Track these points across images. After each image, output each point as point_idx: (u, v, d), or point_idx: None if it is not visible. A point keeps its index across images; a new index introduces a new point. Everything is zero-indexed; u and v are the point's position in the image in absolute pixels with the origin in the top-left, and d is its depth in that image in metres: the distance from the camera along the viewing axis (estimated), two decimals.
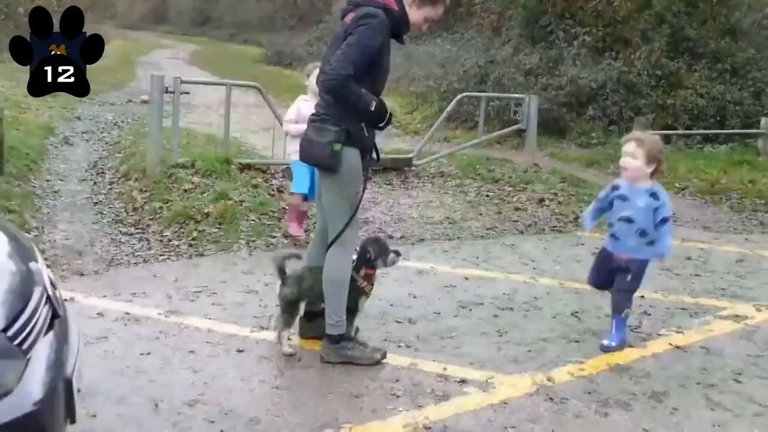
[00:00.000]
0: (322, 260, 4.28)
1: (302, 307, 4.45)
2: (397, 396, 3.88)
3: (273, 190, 8.18)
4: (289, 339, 4.40)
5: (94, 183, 8.60)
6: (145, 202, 7.54)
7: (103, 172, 9.04)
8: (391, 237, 7.29)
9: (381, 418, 3.65)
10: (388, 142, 13.10)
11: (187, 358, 4.23)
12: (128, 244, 6.54)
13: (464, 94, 11.87)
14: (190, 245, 6.54)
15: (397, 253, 4.54)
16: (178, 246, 6.50)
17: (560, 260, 6.64)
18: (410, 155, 10.55)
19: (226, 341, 4.45)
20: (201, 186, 7.86)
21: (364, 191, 4.24)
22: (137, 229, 6.95)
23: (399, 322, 4.94)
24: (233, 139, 9.75)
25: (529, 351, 4.56)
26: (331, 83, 3.94)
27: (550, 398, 3.94)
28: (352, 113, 4.04)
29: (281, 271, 4.34)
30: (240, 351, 4.34)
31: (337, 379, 4.05)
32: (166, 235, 6.74)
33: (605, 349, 4.56)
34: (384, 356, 4.27)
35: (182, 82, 8.41)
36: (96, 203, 7.79)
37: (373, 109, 4.03)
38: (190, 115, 12.93)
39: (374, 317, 4.97)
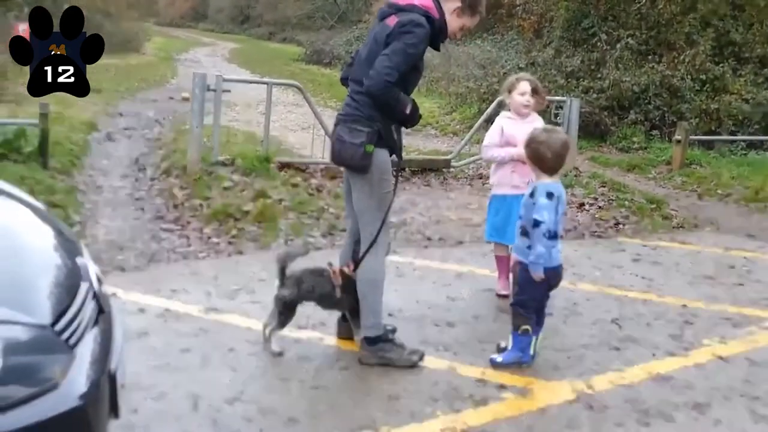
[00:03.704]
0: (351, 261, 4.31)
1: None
2: (435, 399, 3.87)
3: (312, 190, 8.22)
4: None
5: (136, 179, 8.70)
6: (186, 199, 7.61)
7: (144, 169, 9.15)
8: (429, 239, 7.28)
9: (418, 421, 3.65)
10: (426, 143, 13.10)
11: (226, 356, 4.26)
12: (168, 240, 6.60)
13: None
14: (230, 243, 6.59)
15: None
16: (217, 243, 6.56)
17: (600, 266, 6.58)
18: (449, 157, 10.53)
19: (263, 340, 4.46)
20: (241, 184, 7.93)
21: (395, 191, 4.24)
22: (177, 225, 7.02)
23: (437, 326, 4.92)
24: (273, 137, 9.80)
25: (569, 357, 4.52)
26: (377, 90, 3.95)
27: (590, 406, 3.90)
28: (388, 115, 4.05)
29: (282, 271, 4.32)
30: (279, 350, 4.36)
31: (375, 381, 4.05)
32: (206, 233, 6.80)
33: (491, 363, 4.32)
34: (422, 359, 4.26)
35: (224, 80, 8.48)
36: (137, 199, 7.89)
37: (408, 112, 4.06)
38: (230, 113, 13.03)
39: (412, 320, 4.97)
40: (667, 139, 13.02)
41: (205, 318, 4.82)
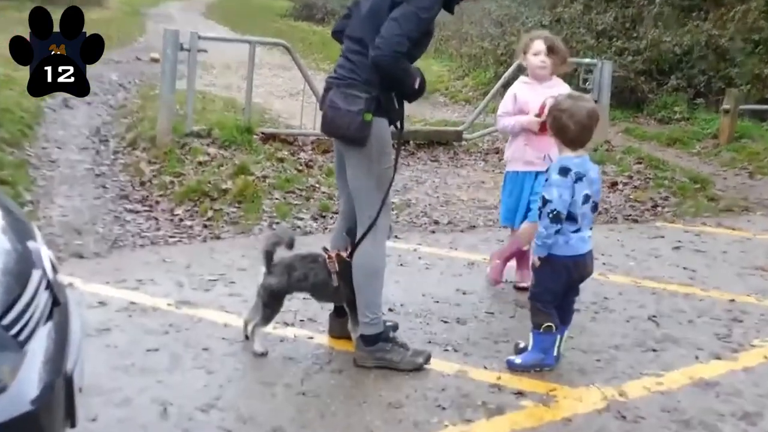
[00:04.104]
0: (343, 246, 4.32)
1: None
2: (443, 408, 3.86)
3: (301, 165, 8.21)
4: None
5: (97, 152, 8.69)
6: (154, 176, 7.61)
7: (106, 140, 9.13)
8: (437, 222, 7.28)
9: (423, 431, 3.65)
10: (434, 112, 13.09)
11: (200, 356, 4.25)
12: (134, 223, 6.60)
13: None
14: (205, 226, 6.59)
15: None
16: (191, 227, 6.55)
17: (635, 255, 6.58)
18: (460, 128, 10.52)
19: (245, 339, 4.46)
20: (218, 158, 7.92)
21: (396, 167, 4.23)
22: (144, 206, 7.01)
23: (445, 322, 4.92)
24: (256, 105, 9.78)
25: (598, 360, 4.52)
26: (385, 62, 3.92)
27: (622, 416, 3.90)
28: (392, 88, 4.04)
29: (269, 257, 4.31)
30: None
31: (373, 386, 4.04)
32: (177, 214, 6.79)
33: (508, 365, 4.33)
34: (427, 361, 4.26)
35: (200, 38, 8.45)
36: (98, 175, 7.88)
37: (417, 85, 4.06)
38: (206, 77, 13.00)
39: (417, 316, 4.97)
40: (713, 108, 12.99)
41: (175, 312, 4.81)
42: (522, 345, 4.45)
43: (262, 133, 8.84)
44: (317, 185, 7.78)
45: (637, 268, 6.22)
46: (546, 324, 4.28)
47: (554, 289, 4.29)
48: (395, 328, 4.55)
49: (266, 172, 7.75)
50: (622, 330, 4.98)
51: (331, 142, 8.65)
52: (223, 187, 7.24)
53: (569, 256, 4.22)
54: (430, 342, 4.59)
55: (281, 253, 4.38)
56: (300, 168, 8.16)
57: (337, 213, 6.84)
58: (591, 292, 5.47)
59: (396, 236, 6.10)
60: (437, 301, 5.24)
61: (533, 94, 5.33)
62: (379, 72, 3.98)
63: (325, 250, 4.38)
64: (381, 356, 4.22)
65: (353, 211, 4.25)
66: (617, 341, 4.80)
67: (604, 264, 6.19)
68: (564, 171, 4.12)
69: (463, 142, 10.27)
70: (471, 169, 9.34)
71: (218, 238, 6.39)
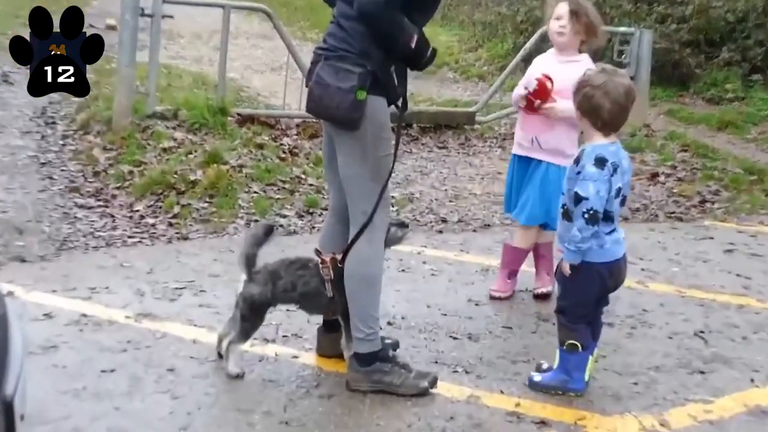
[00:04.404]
0: (337, 248, 4.30)
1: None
2: None
3: (284, 153, 8.21)
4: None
5: (42, 137, 8.68)
6: (110, 165, 7.60)
7: (53, 123, 9.13)
8: (444, 221, 7.28)
9: None
10: (443, 90, 13.10)
11: (164, 378, 4.25)
12: (86, 220, 6.60)
13: None
14: (170, 225, 6.59)
15: (403, 225, 4.56)
16: (153, 225, 6.55)
17: (679, 259, 6.58)
18: (472, 109, 10.52)
19: (217, 357, 4.47)
20: (186, 144, 7.91)
21: (396, 155, 4.22)
22: (98, 200, 7.01)
23: (455, 339, 4.92)
24: (231, 81, 9.78)
25: (635, 383, 4.51)
26: (370, 6, 3.91)
27: None
28: (385, 48, 4.02)
29: (249, 262, 4.30)
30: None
31: (369, 415, 4.04)
32: (137, 210, 6.79)
33: (530, 384, 4.37)
34: (434, 384, 4.25)
35: (164, 1, 8.43)
36: (44, 164, 7.87)
37: (414, 45, 4.03)
38: (172, 47, 12.99)
39: (421, 331, 4.97)
40: None
41: (135, 326, 4.81)
42: (545, 366, 4.45)
43: (238, 114, 8.84)
44: (303, 176, 7.78)
45: (681, 275, 6.22)
46: (571, 341, 4.27)
47: (586, 301, 4.28)
48: (396, 345, 4.55)
49: (243, 160, 7.74)
50: (664, 348, 4.98)
51: (320, 125, 8.67)
52: (192, 178, 7.24)
53: (604, 262, 4.20)
54: (436, 362, 4.59)
55: (264, 258, 4.38)
56: (283, 156, 8.15)
57: (326, 209, 6.84)
58: (627, 304, 5.48)
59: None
60: (445, 314, 5.25)
61: (547, 66, 5.36)
62: (367, 26, 3.97)
63: (318, 253, 4.36)
64: (378, 378, 4.21)
65: (345, 207, 4.25)
66: (658, 361, 4.79)
67: (642, 270, 6.20)
68: (601, 162, 4.07)
69: (476, 126, 10.27)
70: (485, 158, 9.34)
71: (186, 238, 6.38)
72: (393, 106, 4.21)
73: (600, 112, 4.13)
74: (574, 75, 4.55)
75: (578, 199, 4.07)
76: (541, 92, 5.23)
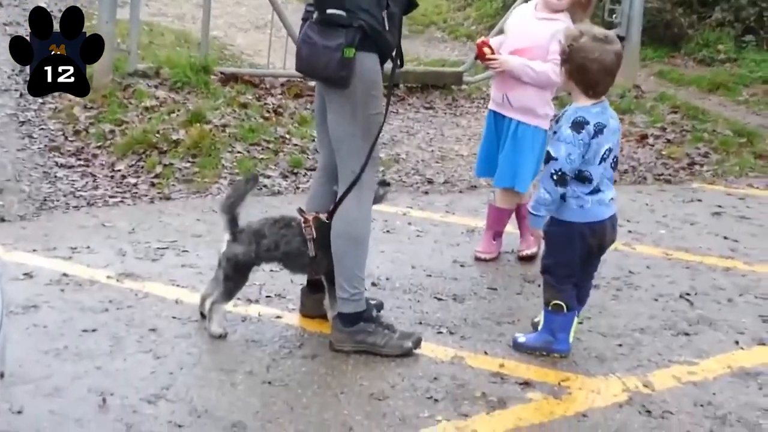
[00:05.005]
0: (324, 208, 4.32)
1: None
2: (435, 400, 3.90)
3: (268, 112, 8.19)
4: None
5: (21, 95, 8.61)
6: (91, 124, 7.58)
7: None
8: (430, 182, 7.29)
9: (412, 428, 3.68)
10: (430, 50, 13.06)
11: (146, 338, 4.28)
12: (67, 180, 6.59)
13: None
14: (152, 184, 6.59)
15: (385, 183, 4.61)
16: (135, 185, 6.55)
17: (667, 221, 6.62)
18: (460, 69, 10.50)
19: (200, 317, 4.49)
20: (168, 103, 7.89)
21: (387, 113, 4.24)
22: (79, 160, 7.00)
23: (440, 300, 4.96)
24: (214, 39, 9.73)
25: (620, 345, 4.56)
26: None
27: (647, 411, 3.94)
28: None
29: (232, 221, 4.31)
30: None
31: (352, 375, 4.08)
32: (118, 170, 6.79)
33: (514, 345, 4.43)
34: (418, 345, 4.29)
35: None
36: (23, 123, 7.84)
37: None
38: (154, 4, 12.90)
39: (406, 292, 5.01)
40: (765, 47, 12.98)
41: (117, 286, 4.83)
42: (537, 319, 4.51)
43: (222, 73, 8.80)
44: (287, 136, 7.77)
45: (668, 238, 6.27)
46: (555, 301, 4.32)
47: (568, 260, 4.30)
48: (380, 306, 4.59)
49: (226, 120, 7.73)
50: (649, 310, 5.02)
51: (305, 85, 8.69)
52: (174, 137, 7.23)
53: (586, 222, 4.23)
54: (420, 323, 4.63)
55: (247, 217, 4.40)
56: (267, 115, 8.13)
57: (311, 170, 6.89)
58: (614, 266, 5.51)
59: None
60: (430, 275, 5.28)
61: (522, 20, 5.46)
62: None
63: (301, 212, 4.38)
64: (362, 339, 4.25)
65: (335, 167, 4.25)
66: (643, 323, 4.84)
67: (630, 232, 6.24)
68: (578, 125, 4.09)
69: (464, 86, 10.25)
70: (473, 119, 9.34)
71: (168, 198, 6.39)
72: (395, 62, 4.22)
73: (586, 75, 4.13)
74: (548, 34, 4.57)
75: (548, 158, 4.13)
76: (480, 56, 5.42)
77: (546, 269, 4.37)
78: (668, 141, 8.91)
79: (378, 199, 4.48)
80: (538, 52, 5.22)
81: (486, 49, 5.32)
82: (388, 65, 4.21)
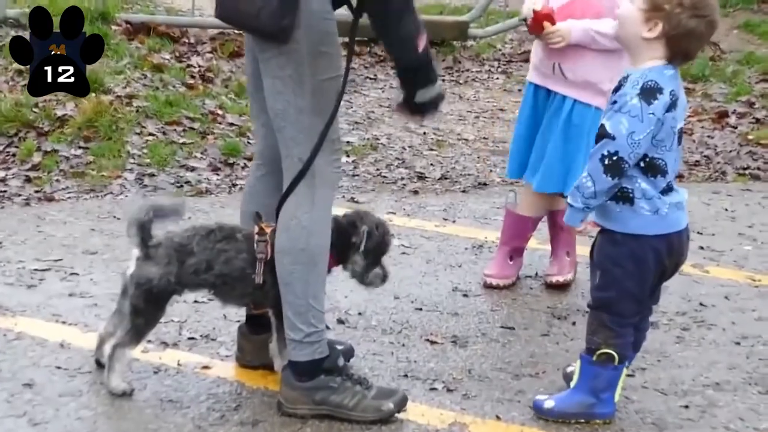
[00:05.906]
0: (265, 209, 4.32)
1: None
2: None
3: (193, 78, 8.21)
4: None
5: None
6: None
7: None
8: (422, 177, 7.31)
9: None
10: None
11: (19, 397, 4.27)
12: None
13: None
14: (28, 180, 6.60)
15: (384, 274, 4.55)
16: (3, 180, 6.55)
17: (754, 234, 6.68)
18: (465, 18, 10.54)
19: (94, 366, 4.51)
20: None
21: (347, 79, 4.26)
22: None
23: (434, 343, 4.98)
24: None
25: (686, 407, 4.54)
26: None
27: None
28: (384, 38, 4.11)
29: (144, 233, 4.26)
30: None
31: None
32: None
33: (538, 409, 4.37)
34: (402, 407, 4.30)
35: None
36: None
37: (422, 49, 4.15)
38: None
39: (386, 332, 5.04)
40: None
41: None
42: (570, 368, 4.49)
43: (127, 22, 8.82)
44: (220, 112, 7.79)
45: (755, 257, 6.31)
46: (605, 350, 4.24)
47: (638, 291, 4.23)
48: (349, 353, 4.61)
49: (133, 88, 7.75)
50: (728, 358, 5.05)
51: (241, 38, 8.68)
52: (60, 113, 7.24)
53: (662, 235, 4.14)
54: (406, 375, 4.65)
55: (165, 226, 4.38)
56: (191, 83, 8.16)
57: (251, 159, 6.87)
58: (678, 296, 5.54)
59: (352, 198, 6.14)
60: (420, 309, 5.31)
61: None
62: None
63: (258, 218, 4.31)
64: (323, 399, 4.25)
65: (277, 153, 4.25)
66: (719, 376, 4.85)
67: (701, 249, 6.27)
68: (649, 93, 3.98)
69: (470, 43, 10.30)
70: (482, 88, 9.38)
71: (50, 199, 6.40)
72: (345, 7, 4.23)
73: (691, 43, 4.07)
74: None
75: (601, 135, 4.01)
76: (535, 27, 5.28)
77: (602, 304, 4.26)
78: (757, 121, 8.94)
79: (371, 280, 4.50)
80: (596, 11, 5.19)
81: (546, 23, 5.22)
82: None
